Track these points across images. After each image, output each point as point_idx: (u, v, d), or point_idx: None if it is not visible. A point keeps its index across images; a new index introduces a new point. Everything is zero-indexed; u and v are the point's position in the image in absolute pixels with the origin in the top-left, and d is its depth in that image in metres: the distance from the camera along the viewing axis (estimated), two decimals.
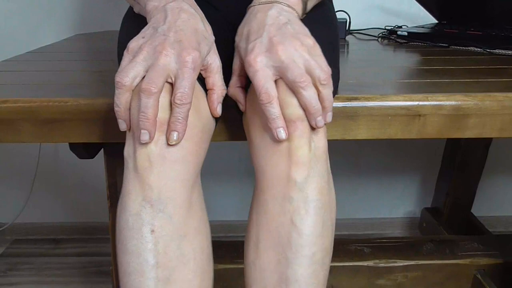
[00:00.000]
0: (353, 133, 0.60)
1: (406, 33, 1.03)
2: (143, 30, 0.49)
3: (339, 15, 0.93)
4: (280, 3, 0.52)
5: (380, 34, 1.11)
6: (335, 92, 0.57)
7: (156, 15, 0.50)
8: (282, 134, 0.47)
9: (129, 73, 0.46)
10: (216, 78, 0.51)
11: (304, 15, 0.57)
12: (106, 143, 0.71)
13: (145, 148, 0.46)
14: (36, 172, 1.36)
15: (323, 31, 0.60)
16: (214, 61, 0.51)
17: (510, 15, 0.99)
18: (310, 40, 0.49)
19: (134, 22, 0.60)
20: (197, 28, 0.49)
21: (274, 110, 0.47)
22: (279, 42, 0.47)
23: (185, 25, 0.48)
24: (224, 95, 0.53)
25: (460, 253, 1.03)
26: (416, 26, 1.10)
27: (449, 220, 1.31)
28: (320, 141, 0.49)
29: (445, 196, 1.30)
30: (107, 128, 0.58)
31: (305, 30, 0.50)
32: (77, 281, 1.26)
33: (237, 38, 0.53)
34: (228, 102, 0.53)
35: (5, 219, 1.46)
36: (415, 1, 1.08)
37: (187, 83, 0.45)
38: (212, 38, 0.52)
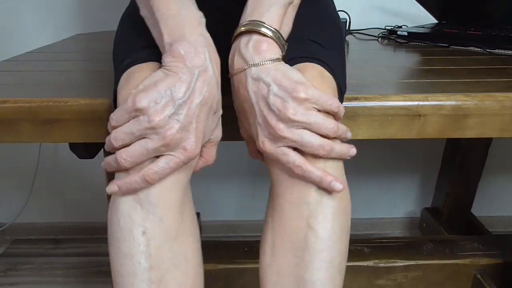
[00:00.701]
0: (353, 133, 0.60)
1: (406, 33, 1.03)
2: (158, 80, 0.44)
3: (339, 15, 0.93)
4: (251, 65, 0.47)
5: (380, 34, 1.11)
6: (344, 92, 0.57)
7: (176, 74, 0.44)
8: (337, 186, 0.48)
9: (124, 138, 0.45)
10: (213, 151, 0.52)
11: (285, 45, 0.50)
12: None
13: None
14: (36, 172, 1.36)
15: (329, 31, 0.60)
16: (217, 136, 0.51)
17: (510, 15, 0.99)
18: (300, 93, 0.45)
19: (131, 24, 0.60)
20: (212, 106, 0.47)
21: (312, 174, 0.47)
22: (275, 123, 0.45)
23: (202, 107, 0.45)
24: (210, 164, 0.53)
25: (460, 253, 1.03)
26: (416, 26, 1.10)
27: (449, 220, 1.31)
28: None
29: (445, 196, 1.30)
30: (107, 128, 0.58)
31: (289, 80, 0.45)
32: (77, 281, 1.26)
33: (236, 108, 0.52)
34: (228, 102, 0.53)
35: (5, 219, 1.46)
36: (415, 1, 1.08)
37: (167, 171, 0.45)
38: (220, 111, 0.50)
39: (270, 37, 0.47)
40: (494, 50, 0.89)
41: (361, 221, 1.49)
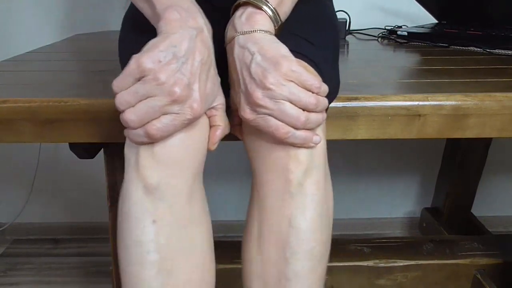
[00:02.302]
0: (353, 133, 0.60)
1: (406, 33, 1.03)
2: (158, 41, 0.44)
3: (339, 15, 0.93)
4: (240, 33, 0.48)
5: (380, 34, 1.11)
6: (335, 94, 0.57)
7: (175, 34, 0.45)
8: (317, 139, 0.48)
9: (129, 100, 0.44)
10: (223, 117, 0.51)
11: (280, 22, 0.51)
12: (106, 143, 0.71)
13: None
14: (36, 172, 1.36)
15: (323, 31, 0.60)
16: (220, 102, 0.50)
17: (510, 15, 0.99)
18: (283, 65, 0.45)
19: (135, 22, 0.59)
20: (210, 67, 0.47)
21: (296, 134, 0.46)
22: (254, 90, 0.45)
23: (203, 67, 0.45)
24: (227, 133, 0.52)
25: (460, 253, 1.03)
26: (416, 26, 1.10)
27: (449, 220, 1.31)
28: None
29: (445, 196, 1.30)
30: (107, 128, 0.58)
31: (273, 52, 0.46)
32: (77, 281, 1.26)
33: (229, 82, 0.52)
34: (228, 102, 0.53)
35: (5, 219, 1.46)
36: (415, 1, 1.08)
37: (170, 129, 0.44)
38: (219, 77, 0.50)
39: (264, 11, 0.48)
40: (494, 50, 0.89)
41: (361, 221, 1.49)
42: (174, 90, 0.42)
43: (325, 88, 0.47)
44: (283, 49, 0.46)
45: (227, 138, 0.61)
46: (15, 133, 0.59)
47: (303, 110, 0.46)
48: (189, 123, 0.45)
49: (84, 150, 0.69)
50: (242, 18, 0.49)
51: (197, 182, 0.51)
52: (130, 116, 0.43)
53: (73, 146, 0.68)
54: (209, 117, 0.50)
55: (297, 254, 0.49)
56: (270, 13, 0.49)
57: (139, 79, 0.43)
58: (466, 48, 0.93)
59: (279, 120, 0.45)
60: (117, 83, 0.44)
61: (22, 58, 0.85)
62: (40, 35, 1.24)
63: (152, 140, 0.45)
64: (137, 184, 0.47)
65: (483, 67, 0.76)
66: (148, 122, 0.44)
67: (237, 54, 0.47)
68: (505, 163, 1.43)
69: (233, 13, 0.51)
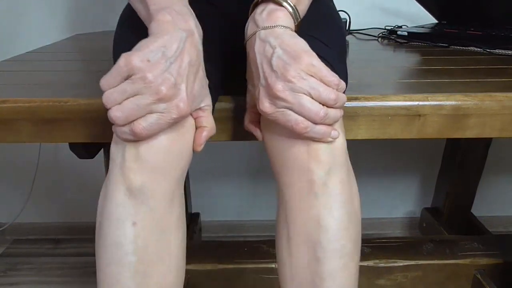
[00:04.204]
0: (353, 133, 0.60)
1: (406, 33, 1.03)
2: (149, 41, 0.45)
3: (339, 15, 0.93)
4: (261, 28, 0.49)
5: (380, 34, 1.11)
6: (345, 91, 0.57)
7: (166, 35, 0.45)
8: (335, 134, 0.48)
9: (116, 97, 0.44)
10: (209, 119, 0.51)
11: (299, 19, 0.53)
12: (106, 143, 0.71)
13: (133, 141, 0.46)
14: (36, 172, 1.36)
15: (332, 31, 0.60)
16: (207, 103, 0.51)
17: (510, 15, 0.99)
18: (304, 59, 0.45)
19: (131, 22, 0.60)
20: (198, 69, 0.48)
21: (315, 129, 0.46)
22: (274, 83, 0.45)
23: (191, 68, 0.46)
24: (213, 134, 0.52)
25: (460, 253, 1.03)
26: (416, 26, 1.10)
27: (449, 220, 1.31)
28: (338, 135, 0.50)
29: (445, 196, 1.30)
30: (107, 128, 0.58)
31: (295, 47, 0.46)
32: (77, 281, 1.26)
33: (247, 75, 0.53)
34: (229, 101, 0.53)
35: (5, 219, 1.46)
36: (415, 1, 1.08)
37: (155, 128, 0.45)
38: (207, 80, 0.51)
39: (285, 7, 0.49)
40: (494, 50, 0.89)
41: (361, 221, 1.49)
42: (160, 89, 0.43)
43: (343, 85, 0.47)
44: (304, 44, 0.47)
45: (227, 138, 0.61)
46: (15, 133, 0.59)
47: (322, 105, 0.46)
48: (175, 122, 0.46)
49: (84, 150, 0.69)
50: (263, 15, 0.49)
51: (179, 187, 0.51)
52: (116, 113, 0.43)
53: (73, 146, 0.68)
54: (195, 118, 0.51)
55: (329, 252, 0.49)
56: (290, 9, 0.50)
57: (126, 78, 0.43)
58: (466, 48, 0.93)
59: (298, 114, 0.46)
60: (105, 81, 0.44)
61: (22, 58, 0.85)
62: (41, 35, 1.24)
63: (137, 138, 0.45)
64: (120, 185, 0.47)
65: (483, 67, 0.76)
66: (134, 120, 0.44)
67: (258, 48, 0.48)
68: (505, 163, 1.43)
69: (252, 11, 0.52)
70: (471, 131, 0.61)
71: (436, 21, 1.15)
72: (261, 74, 0.47)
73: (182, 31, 0.46)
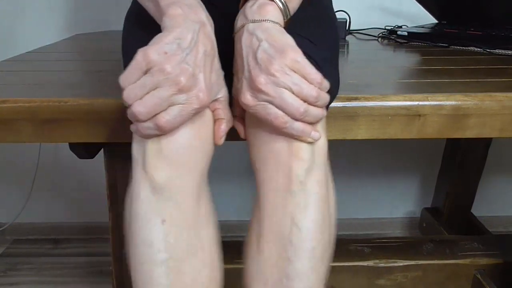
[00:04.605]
0: (353, 133, 0.60)
1: (406, 33, 1.03)
2: (163, 35, 0.45)
3: (339, 15, 0.93)
4: (250, 21, 0.49)
5: (380, 34, 1.11)
6: (335, 94, 0.57)
7: (179, 27, 0.45)
8: (316, 135, 0.48)
9: (136, 93, 0.44)
10: (226, 111, 0.51)
11: (289, 16, 0.52)
12: (106, 143, 0.71)
13: (155, 137, 0.46)
14: (36, 172, 1.36)
15: (324, 31, 0.60)
16: (224, 94, 0.51)
17: (510, 15, 0.99)
18: (289, 54, 0.45)
19: (139, 19, 0.60)
20: (213, 60, 0.48)
21: (294, 125, 0.46)
22: (256, 76, 0.45)
23: (207, 58, 0.46)
24: (231, 126, 0.52)
25: (460, 253, 1.03)
26: (416, 26, 1.10)
27: (449, 220, 1.31)
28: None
29: (445, 196, 1.30)
30: (107, 128, 0.58)
31: (281, 42, 0.47)
32: (77, 281, 1.26)
33: (234, 71, 0.53)
34: (230, 96, 0.53)
35: (5, 219, 1.46)
36: (415, 1, 1.08)
37: (178, 120, 0.45)
38: (222, 71, 0.51)
39: (275, 2, 0.50)
40: (494, 50, 0.89)
41: (361, 221, 1.49)
42: (179, 80, 0.43)
43: (326, 84, 0.47)
44: (291, 41, 0.47)
45: (227, 138, 0.61)
46: (15, 133, 0.59)
47: (304, 102, 0.46)
48: (196, 112, 0.45)
49: (84, 150, 0.69)
50: (254, 8, 0.50)
51: (204, 182, 0.51)
52: (138, 108, 0.43)
53: (73, 146, 0.68)
54: (212, 111, 0.51)
55: (299, 253, 0.49)
56: (281, 5, 0.50)
57: (145, 72, 0.43)
58: (466, 48, 0.93)
59: (278, 108, 0.46)
60: (124, 78, 0.44)
61: (22, 58, 0.85)
62: (40, 35, 1.23)
63: (161, 132, 0.45)
64: (144, 184, 0.47)
65: (483, 67, 0.76)
66: (156, 114, 0.44)
67: (244, 40, 0.48)
68: (505, 163, 1.43)
69: (243, 4, 0.52)
70: (471, 131, 0.61)
71: (436, 21, 1.15)
72: (246, 67, 0.47)
73: (195, 23, 0.46)
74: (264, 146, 0.50)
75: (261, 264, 0.51)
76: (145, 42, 0.46)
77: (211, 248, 0.51)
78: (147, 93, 0.43)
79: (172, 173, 0.47)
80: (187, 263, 0.48)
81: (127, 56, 0.58)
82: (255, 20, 0.49)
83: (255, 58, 0.46)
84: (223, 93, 0.50)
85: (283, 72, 0.45)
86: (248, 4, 0.51)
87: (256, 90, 0.45)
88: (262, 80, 0.45)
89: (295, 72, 0.45)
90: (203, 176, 0.50)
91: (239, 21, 0.51)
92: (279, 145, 0.49)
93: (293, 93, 0.45)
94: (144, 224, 0.47)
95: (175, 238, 0.47)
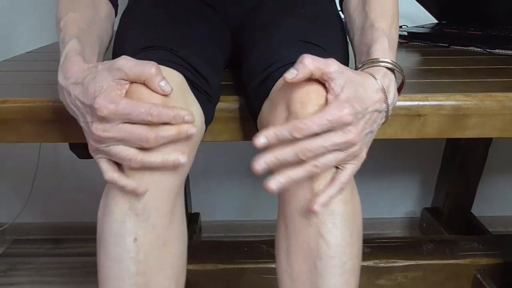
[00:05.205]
0: None
1: (406, 33, 1.03)
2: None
3: (340, 15, 0.93)
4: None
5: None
6: None
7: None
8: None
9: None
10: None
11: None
12: None
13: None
14: (36, 172, 1.36)
15: (333, 35, 0.60)
16: None
17: (510, 15, 0.99)
18: None
19: (129, 22, 0.60)
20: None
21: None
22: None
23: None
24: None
25: (460, 253, 1.03)
26: (416, 26, 1.10)
27: (449, 220, 1.31)
28: None
29: (445, 196, 1.30)
30: None
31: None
32: (77, 281, 1.26)
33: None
34: (230, 102, 0.53)
35: (5, 219, 1.46)
36: (415, 1, 1.08)
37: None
38: None
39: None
40: (494, 50, 0.89)
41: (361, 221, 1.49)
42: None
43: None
44: None
45: (227, 138, 0.61)
46: (15, 133, 0.59)
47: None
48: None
49: (84, 150, 0.69)
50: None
51: (180, 200, 0.51)
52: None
53: (73, 146, 0.68)
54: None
55: (329, 269, 0.48)
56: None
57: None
58: (466, 48, 0.93)
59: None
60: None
61: (22, 58, 0.85)
62: (40, 35, 1.23)
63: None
64: (121, 203, 0.47)
65: (483, 67, 0.76)
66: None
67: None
68: (505, 163, 1.43)
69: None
70: (471, 131, 0.61)
71: (436, 21, 1.15)
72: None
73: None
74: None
75: (292, 278, 0.51)
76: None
77: (179, 264, 0.51)
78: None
79: (150, 196, 0.47)
80: (155, 279, 0.48)
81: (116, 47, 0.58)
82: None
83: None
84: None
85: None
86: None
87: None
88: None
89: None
90: (178, 192, 0.50)
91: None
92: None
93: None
94: (117, 241, 0.47)
95: (145, 256, 0.47)
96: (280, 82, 0.50)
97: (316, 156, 0.43)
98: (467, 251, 1.04)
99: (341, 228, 0.48)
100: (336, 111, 0.42)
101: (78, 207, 1.45)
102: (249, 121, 0.58)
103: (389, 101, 0.48)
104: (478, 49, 0.91)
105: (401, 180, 1.46)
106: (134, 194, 0.46)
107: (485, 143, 1.21)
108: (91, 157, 0.72)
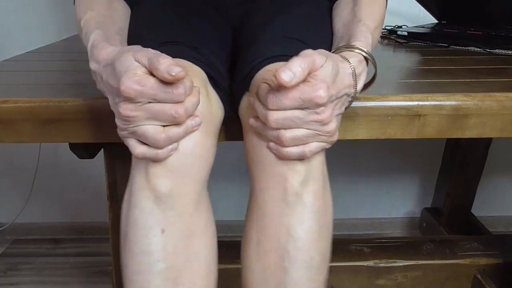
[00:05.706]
0: (353, 133, 0.60)
1: (406, 33, 1.03)
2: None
3: None
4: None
5: (380, 34, 1.11)
6: None
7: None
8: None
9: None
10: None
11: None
12: (106, 143, 0.71)
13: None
14: (36, 172, 1.36)
15: (320, 34, 0.60)
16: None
17: (510, 15, 0.99)
18: None
19: (140, 19, 0.60)
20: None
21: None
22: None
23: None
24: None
25: (460, 253, 1.03)
26: (416, 26, 1.10)
27: (449, 220, 1.31)
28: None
29: (445, 196, 1.30)
30: (107, 128, 0.58)
31: None
32: (77, 281, 1.26)
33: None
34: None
35: (5, 219, 1.46)
36: (415, 1, 1.08)
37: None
38: None
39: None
40: (494, 50, 0.89)
41: (361, 221, 1.49)
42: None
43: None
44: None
45: (227, 138, 0.61)
46: (15, 133, 0.59)
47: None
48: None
49: (84, 150, 0.69)
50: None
51: (204, 190, 0.51)
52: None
53: (73, 146, 0.68)
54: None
55: (296, 263, 0.48)
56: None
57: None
58: (466, 48, 0.93)
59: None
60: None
61: (22, 58, 0.85)
62: (40, 35, 1.24)
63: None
64: (146, 192, 0.46)
65: (483, 67, 0.76)
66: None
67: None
68: (505, 163, 1.43)
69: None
70: (471, 131, 0.61)
71: (436, 21, 1.15)
72: None
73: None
74: (261, 155, 0.50)
75: (259, 272, 0.50)
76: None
77: (208, 257, 0.51)
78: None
79: (175, 182, 0.46)
80: (185, 273, 0.48)
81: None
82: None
83: None
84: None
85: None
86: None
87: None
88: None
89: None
90: (204, 184, 0.50)
91: None
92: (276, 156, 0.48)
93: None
94: (144, 234, 0.46)
95: (173, 248, 0.47)
96: (259, 74, 0.51)
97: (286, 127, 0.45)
98: (467, 251, 1.04)
99: (310, 221, 0.48)
100: (310, 90, 0.42)
101: (78, 207, 1.45)
102: None
103: (358, 88, 0.49)
104: (478, 49, 0.91)
105: (401, 180, 1.46)
106: (168, 156, 0.45)
107: (485, 143, 1.21)
108: (91, 157, 0.72)
